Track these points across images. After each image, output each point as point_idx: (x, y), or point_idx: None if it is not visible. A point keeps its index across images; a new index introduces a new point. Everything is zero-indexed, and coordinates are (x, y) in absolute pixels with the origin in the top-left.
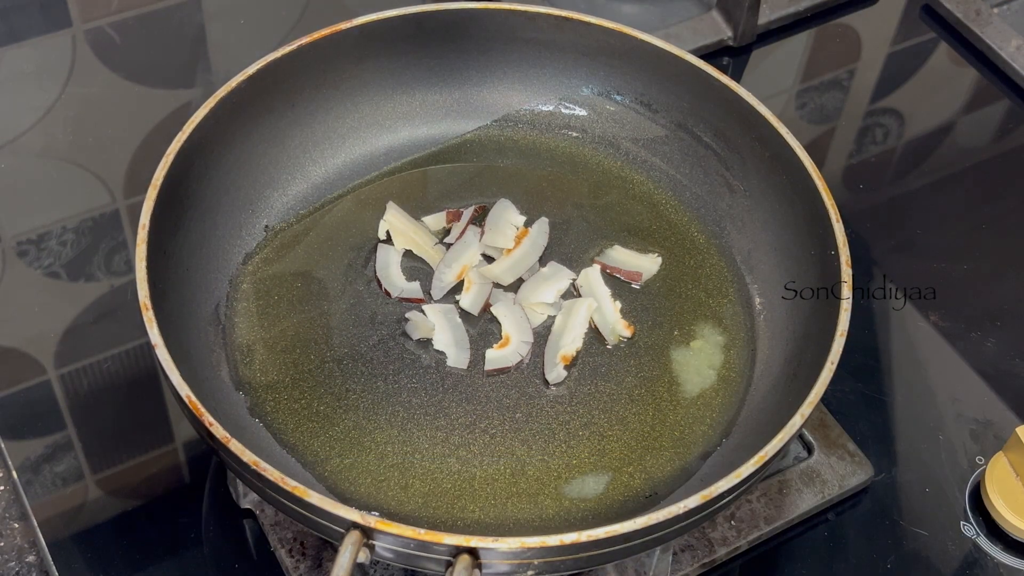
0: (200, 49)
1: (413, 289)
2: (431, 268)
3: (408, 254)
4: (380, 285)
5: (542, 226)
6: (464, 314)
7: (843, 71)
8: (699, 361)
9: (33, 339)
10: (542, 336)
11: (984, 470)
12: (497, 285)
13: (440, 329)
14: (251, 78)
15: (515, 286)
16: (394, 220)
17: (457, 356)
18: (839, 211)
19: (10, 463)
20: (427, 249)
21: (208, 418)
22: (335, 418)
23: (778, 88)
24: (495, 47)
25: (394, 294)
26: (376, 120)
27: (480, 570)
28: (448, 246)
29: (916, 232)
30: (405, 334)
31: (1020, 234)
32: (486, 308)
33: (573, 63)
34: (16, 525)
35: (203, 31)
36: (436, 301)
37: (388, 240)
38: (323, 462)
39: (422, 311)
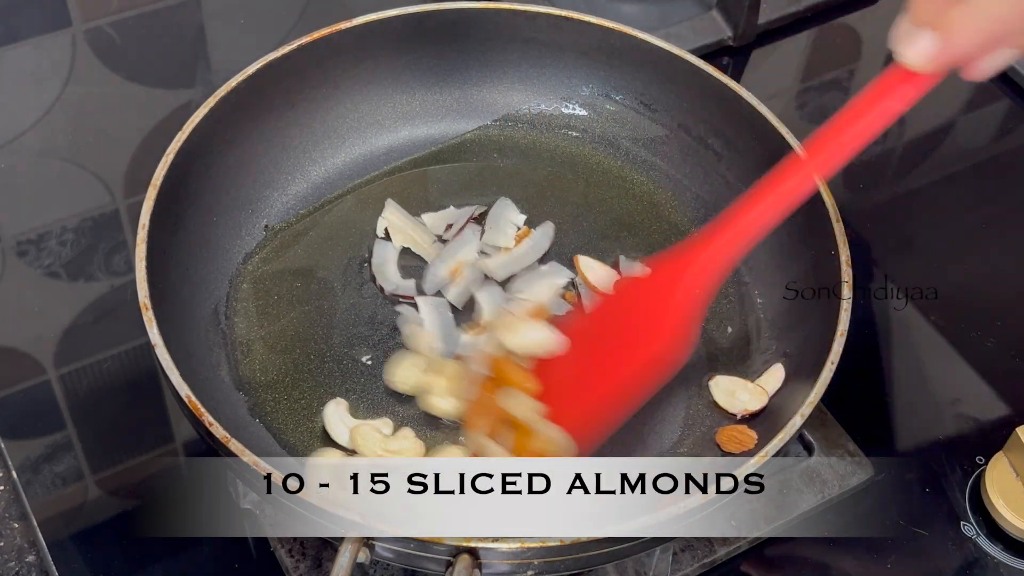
0: (200, 49)
1: (407, 286)
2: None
3: (406, 252)
4: (375, 280)
5: (547, 229)
6: (456, 310)
7: (843, 71)
8: (699, 362)
9: (33, 339)
10: None
11: (984, 470)
12: (489, 278)
13: (429, 323)
14: (251, 78)
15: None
16: (393, 217)
17: (443, 351)
18: (839, 211)
19: (10, 463)
20: (425, 247)
21: (208, 418)
22: None
23: (778, 88)
24: (495, 47)
25: (388, 290)
26: (376, 120)
27: (480, 570)
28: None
29: (916, 232)
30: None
31: (1020, 234)
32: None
33: (573, 63)
34: (16, 525)
35: (203, 31)
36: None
37: (387, 237)
38: None
39: (414, 306)
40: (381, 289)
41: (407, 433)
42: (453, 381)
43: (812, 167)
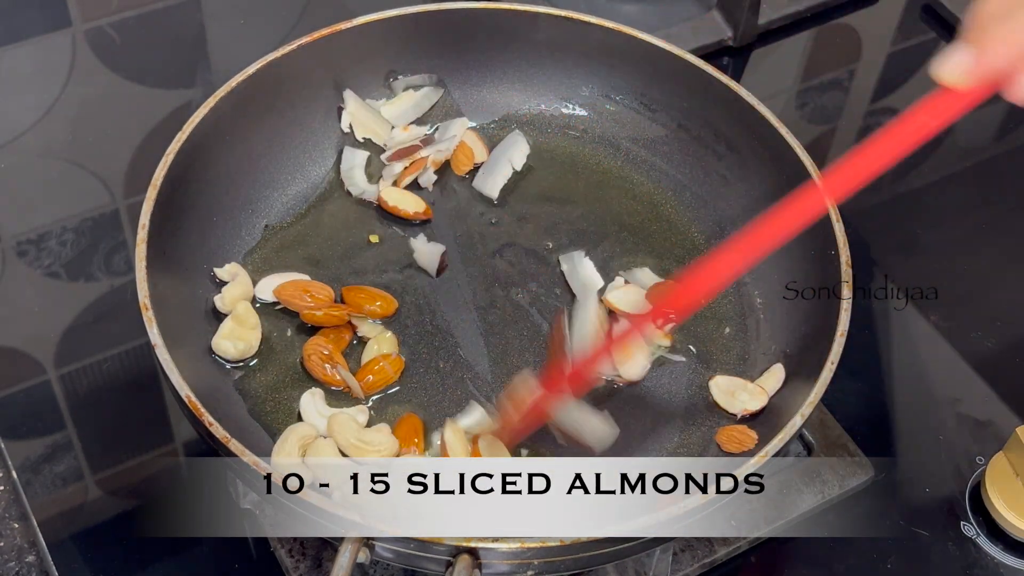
0: (200, 49)
1: (372, 191)
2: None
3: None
4: (343, 186)
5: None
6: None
7: (843, 71)
8: (699, 362)
9: (33, 339)
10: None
11: (984, 470)
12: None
13: (418, 252)
14: (251, 78)
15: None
16: (353, 108)
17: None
18: (839, 211)
19: (10, 463)
20: (383, 136)
21: (208, 418)
22: None
23: (778, 88)
24: (495, 47)
25: (355, 193)
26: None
27: (480, 570)
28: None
29: (917, 232)
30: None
31: (1020, 234)
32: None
33: (573, 63)
34: (16, 525)
35: (203, 31)
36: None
37: (351, 133)
38: None
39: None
40: (348, 193)
41: (383, 428)
42: (238, 323)
43: (832, 189)
